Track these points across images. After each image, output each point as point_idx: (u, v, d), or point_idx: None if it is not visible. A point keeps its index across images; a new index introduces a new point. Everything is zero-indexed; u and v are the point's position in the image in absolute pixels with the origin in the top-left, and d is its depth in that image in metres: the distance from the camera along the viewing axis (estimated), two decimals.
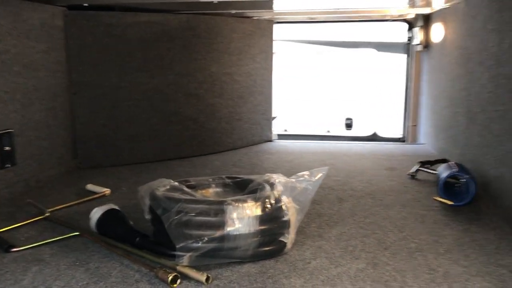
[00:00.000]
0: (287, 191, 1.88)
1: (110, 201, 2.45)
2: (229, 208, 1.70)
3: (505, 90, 2.17)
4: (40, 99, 2.76)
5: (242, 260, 1.76)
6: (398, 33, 4.99)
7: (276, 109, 4.19)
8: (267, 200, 1.76)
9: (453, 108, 3.07)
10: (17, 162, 2.59)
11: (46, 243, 1.95)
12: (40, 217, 2.21)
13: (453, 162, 2.63)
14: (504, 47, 2.18)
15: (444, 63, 3.32)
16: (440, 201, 2.39)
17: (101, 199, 2.54)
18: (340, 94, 7.78)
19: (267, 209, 1.75)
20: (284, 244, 1.82)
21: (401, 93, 4.50)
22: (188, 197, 1.81)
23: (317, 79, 7.97)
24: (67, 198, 2.55)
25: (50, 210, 2.28)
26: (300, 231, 1.99)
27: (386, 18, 4.23)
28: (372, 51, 7.52)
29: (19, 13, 2.58)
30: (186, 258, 1.67)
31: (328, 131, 6.35)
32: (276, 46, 4.03)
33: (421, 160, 3.07)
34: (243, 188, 2.02)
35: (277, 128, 4.29)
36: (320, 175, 1.95)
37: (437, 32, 3.51)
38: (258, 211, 1.73)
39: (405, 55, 4.42)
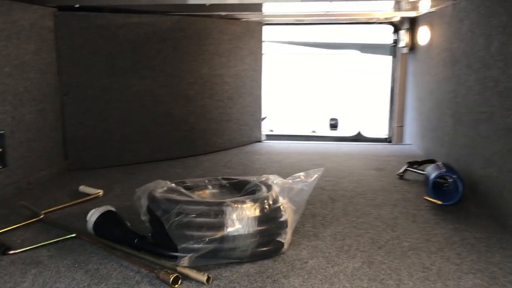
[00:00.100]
0: (284, 192, 1.92)
1: (103, 203, 2.44)
2: (229, 209, 1.73)
3: (493, 92, 2.24)
4: (31, 100, 2.75)
5: (240, 261, 1.78)
6: (383, 35, 5.07)
7: (264, 110, 4.22)
8: (265, 201, 1.79)
9: (439, 109, 3.14)
10: (8, 164, 2.57)
11: (43, 245, 1.94)
12: (35, 219, 2.20)
13: (440, 163, 2.70)
14: (492, 51, 2.25)
15: (431, 66, 3.39)
16: (430, 201, 2.45)
17: (94, 201, 2.54)
18: (325, 94, 7.85)
19: (265, 210, 1.78)
20: (281, 244, 1.86)
21: (386, 94, 4.58)
22: (187, 198, 1.83)
23: (303, 79, 8.04)
24: (59, 199, 2.54)
25: (44, 212, 2.27)
26: (295, 231, 2.03)
27: (373, 21, 4.29)
28: (357, 52, 7.61)
29: (9, 14, 2.56)
30: (186, 259, 1.69)
31: (314, 132, 6.42)
32: (264, 47, 4.06)
33: (408, 160, 3.13)
34: (240, 189, 2.05)
35: (263, 128, 4.32)
36: (316, 176, 1.99)
37: (423, 35, 3.59)
38: (257, 212, 1.76)
39: (390, 57, 4.50)
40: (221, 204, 1.74)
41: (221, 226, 1.70)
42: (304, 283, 1.65)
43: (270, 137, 4.35)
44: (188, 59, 3.44)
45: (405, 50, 4.09)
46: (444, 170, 2.52)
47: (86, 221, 2.08)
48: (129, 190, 2.72)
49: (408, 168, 3.00)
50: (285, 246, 1.88)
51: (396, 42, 4.33)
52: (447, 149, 2.98)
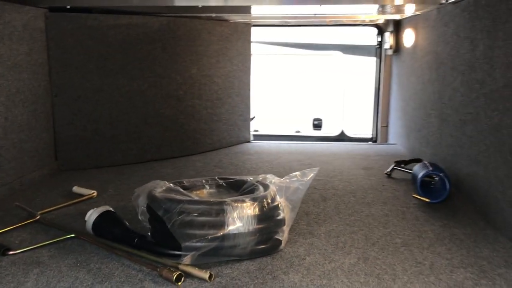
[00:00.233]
0: (281, 191, 1.97)
1: (98, 203, 2.47)
2: (229, 208, 1.77)
3: (478, 94, 2.33)
4: (23, 101, 2.75)
5: (240, 258, 1.83)
6: (368, 36, 5.17)
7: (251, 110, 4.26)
8: (264, 200, 1.84)
9: (425, 110, 3.24)
10: (1, 165, 2.56)
11: (42, 245, 1.96)
12: (31, 220, 2.21)
13: (427, 162, 2.78)
14: (477, 54, 2.34)
15: (416, 67, 3.48)
16: (418, 199, 2.53)
17: (89, 201, 2.55)
18: (308, 95, 7.94)
19: (264, 209, 1.83)
20: (279, 242, 1.91)
21: (371, 95, 4.67)
22: (188, 198, 1.86)
23: (285, 80, 8.10)
24: (54, 200, 2.55)
25: (40, 212, 2.28)
26: (291, 229, 2.08)
27: (358, 23, 4.38)
28: (340, 53, 7.71)
29: (2, 15, 2.56)
30: (188, 257, 1.73)
31: (298, 131, 6.50)
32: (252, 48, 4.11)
33: (395, 159, 3.22)
34: (237, 188, 2.09)
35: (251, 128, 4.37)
36: (311, 175, 2.05)
37: (408, 37, 3.68)
38: (256, 211, 1.81)
39: (374, 58, 4.59)
40: (221, 203, 1.79)
41: (222, 224, 1.75)
42: (303, 278, 1.71)
43: (255, 137, 4.39)
44: (178, 59, 3.47)
45: (389, 52, 4.18)
46: (431, 168, 2.60)
47: (83, 221, 2.11)
48: (122, 191, 2.75)
49: (396, 167, 3.08)
50: (283, 244, 1.93)
51: (380, 44, 4.43)
52: (433, 148, 3.08)
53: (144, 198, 1.98)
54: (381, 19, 4.25)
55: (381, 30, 4.40)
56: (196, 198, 1.92)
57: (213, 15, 3.58)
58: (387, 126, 4.41)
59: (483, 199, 2.28)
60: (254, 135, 4.42)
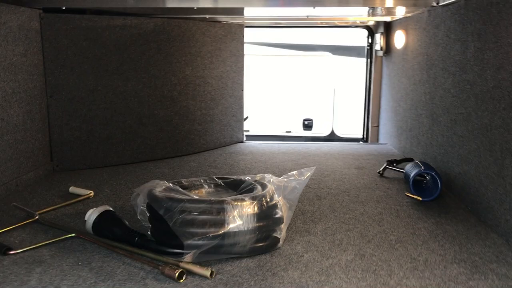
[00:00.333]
0: (279, 190, 2.01)
1: (95, 203, 2.50)
2: (229, 206, 1.81)
3: (469, 94, 2.39)
4: (19, 102, 2.75)
5: (240, 256, 1.87)
6: (358, 37, 5.23)
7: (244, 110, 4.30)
8: (263, 199, 1.88)
9: (416, 110, 3.30)
10: None
11: (43, 245, 1.98)
12: (30, 220, 2.22)
13: (418, 161, 2.84)
14: (468, 56, 2.40)
15: (407, 68, 3.55)
16: (411, 197, 2.59)
17: (86, 201, 2.57)
18: (299, 95, 7.99)
19: (263, 207, 1.87)
20: (277, 240, 1.95)
21: (361, 95, 4.74)
22: (189, 197, 1.90)
23: (277, 80, 8.15)
24: (50, 201, 2.57)
25: (38, 212, 2.29)
26: (288, 227, 2.12)
27: (348, 24, 4.44)
28: (330, 54, 7.78)
29: None
30: (189, 255, 1.76)
31: (289, 132, 6.55)
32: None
33: (386, 159, 3.28)
34: (235, 188, 2.13)
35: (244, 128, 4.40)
36: (308, 174, 2.09)
37: (399, 39, 3.75)
38: (256, 209, 1.85)
39: (364, 59, 4.65)
40: (222, 202, 1.82)
41: (222, 223, 1.78)
42: (302, 275, 1.75)
43: (246, 137, 4.42)
44: (172, 60, 3.50)
45: (380, 53, 4.24)
46: (423, 168, 2.66)
47: (82, 221, 2.14)
48: (119, 191, 2.77)
49: (388, 166, 3.14)
50: (281, 242, 1.97)
51: (371, 45, 4.49)
52: (423, 148, 3.14)
53: (143, 198, 2.01)
54: (371, 21, 4.31)
55: (371, 31, 4.47)
56: (196, 197, 1.95)
57: (207, 16, 3.61)
58: (378, 126, 4.47)
59: (474, 197, 2.35)
60: (245, 136, 4.45)
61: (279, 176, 2.16)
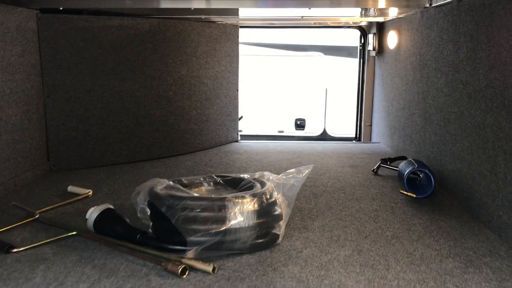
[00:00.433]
0: (278, 188, 2.05)
1: (94, 202, 2.51)
2: (230, 204, 1.84)
3: (462, 94, 2.45)
4: (17, 102, 2.77)
5: (240, 252, 1.91)
6: (351, 38, 5.29)
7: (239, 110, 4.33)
8: (263, 196, 1.92)
9: (409, 109, 3.36)
10: None
11: (45, 243, 2.00)
12: (31, 219, 2.24)
13: (412, 159, 2.90)
14: (461, 56, 2.46)
15: (400, 68, 3.61)
16: (405, 194, 2.64)
17: (85, 200, 2.59)
18: (292, 95, 8.05)
19: (263, 204, 1.91)
20: (277, 236, 1.99)
21: (353, 95, 4.80)
22: (190, 194, 1.93)
23: (269, 80, 8.19)
24: (49, 200, 2.58)
25: (39, 211, 2.31)
26: (287, 224, 2.16)
27: (341, 25, 4.49)
28: (322, 54, 7.84)
29: None
30: (191, 251, 1.80)
31: (281, 131, 6.60)
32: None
33: (380, 157, 3.34)
34: (234, 186, 2.16)
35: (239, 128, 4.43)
36: (306, 172, 2.14)
37: (392, 39, 3.80)
38: (256, 206, 1.89)
39: (357, 59, 4.72)
40: (223, 199, 1.86)
41: (224, 219, 1.82)
42: (302, 270, 1.79)
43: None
44: (168, 61, 3.52)
45: (373, 53, 4.30)
46: (416, 165, 2.72)
47: (81, 220, 2.17)
48: (117, 190, 2.79)
49: (382, 165, 3.19)
50: (280, 238, 2.01)
51: (364, 45, 4.55)
52: (416, 146, 3.20)
53: (143, 196, 2.03)
54: (364, 22, 4.37)
55: (364, 32, 4.53)
56: (198, 194, 1.98)
57: (203, 17, 3.64)
58: (370, 125, 4.53)
59: (467, 194, 2.40)
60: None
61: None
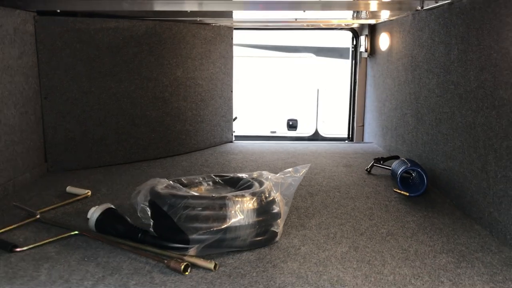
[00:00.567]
0: (276, 186, 2.10)
1: (93, 202, 2.55)
2: (231, 202, 1.89)
3: (453, 94, 2.52)
4: (15, 103, 2.79)
5: (240, 249, 1.95)
6: (340, 39, 5.36)
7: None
8: (262, 194, 1.97)
9: (401, 110, 3.43)
10: None
11: (48, 242, 2.03)
12: (32, 219, 2.27)
13: (404, 158, 2.96)
14: (452, 58, 2.53)
15: (391, 69, 3.68)
16: (398, 193, 2.71)
17: (84, 201, 2.62)
18: (284, 96, 8.11)
19: (262, 203, 1.96)
20: (275, 234, 2.04)
21: (345, 96, 4.87)
22: (191, 193, 1.97)
23: (261, 81, 8.25)
24: (48, 200, 2.61)
25: (39, 211, 2.33)
26: (284, 222, 2.21)
27: (334, 27, 4.56)
28: (313, 55, 7.91)
29: None
30: (193, 249, 1.84)
31: (274, 132, 6.65)
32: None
33: (373, 157, 3.40)
34: (233, 185, 2.21)
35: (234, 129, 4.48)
36: (303, 171, 2.19)
37: (383, 41, 3.87)
38: (255, 205, 1.94)
39: (347, 60, 4.79)
40: (223, 197, 1.90)
41: (225, 217, 1.87)
42: (301, 266, 1.84)
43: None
44: (163, 62, 3.56)
45: (365, 55, 4.37)
46: (409, 164, 2.78)
47: (81, 219, 2.21)
48: (115, 190, 2.82)
49: (375, 164, 3.25)
50: (279, 236, 2.06)
51: (356, 46, 4.62)
52: (409, 146, 3.27)
53: (143, 196, 2.07)
54: (356, 24, 4.44)
55: (356, 33, 4.59)
56: (199, 193, 2.03)
57: (198, 19, 3.68)
58: (363, 125, 4.60)
59: (459, 192, 2.47)
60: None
61: None
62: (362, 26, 4.46)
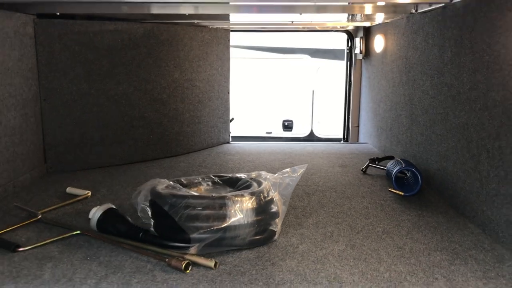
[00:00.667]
0: (274, 186, 2.15)
1: (93, 203, 2.58)
2: (230, 202, 1.93)
3: (447, 96, 2.57)
4: (15, 105, 2.82)
5: (240, 248, 2.00)
6: (335, 41, 5.41)
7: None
8: (261, 194, 2.01)
9: (396, 111, 3.48)
10: None
11: (50, 242, 2.06)
12: (33, 219, 2.30)
13: (399, 159, 3.02)
14: (445, 60, 2.59)
15: (386, 71, 3.73)
16: (393, 192, 2.76)
17: (84, 201, 2.66)
18: (279, 97, 8.15)
19: (261, 202, 2.00)
20: (274, 233, 2.08)
21: (340, 97, 4.92)
22: (191, 193, 2.01)
23: (257, 82, 8.29)
24: (49, 201, 2.64)
25: (41, 212, 2.37)
26: (282, 221, 2.25)
27: (329, 29, 4.61)
28: (308, 57, 7.96)
29: None
30: (193, 248, 1.88)
31: (269, 133, 6.70)
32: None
33: (368, 157, 3.46)
34: (232, 185, 2.26)
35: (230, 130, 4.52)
36: (301, 171, 2.24)
37: (378, 43, 3.93)
38: (254, 204, 1.98)
39: (342, 62, 4.84)
40: (223, 197, 1.95)
41: (225, 217, 1.91)
42: (299, 264, 1.89)
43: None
44: (161, 64, 3.60)
45: (360, 56, 4.43)
46: (404, 165, 2.84)
47: (83, 219, 2.25)
48: (115, 191, 2.86)
49: (370, 164, 3.31)
50: (277, 235, 2.11)
51: (351, 48, 4.67)
52: (403, 146, 3.32)
53: (144, 196, 2.11)
54: (351, 26, 4.50)
55: (351, 35, 4.65)
56: (199, 193, 2.07)
57: (195, 21, 3.73)
58: (358, 126, 4.65)
59: (452, 191, 2.53)
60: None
61: None
62: (357, 28, 4.51)
